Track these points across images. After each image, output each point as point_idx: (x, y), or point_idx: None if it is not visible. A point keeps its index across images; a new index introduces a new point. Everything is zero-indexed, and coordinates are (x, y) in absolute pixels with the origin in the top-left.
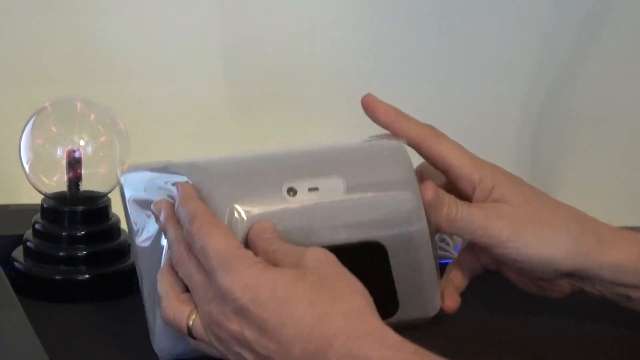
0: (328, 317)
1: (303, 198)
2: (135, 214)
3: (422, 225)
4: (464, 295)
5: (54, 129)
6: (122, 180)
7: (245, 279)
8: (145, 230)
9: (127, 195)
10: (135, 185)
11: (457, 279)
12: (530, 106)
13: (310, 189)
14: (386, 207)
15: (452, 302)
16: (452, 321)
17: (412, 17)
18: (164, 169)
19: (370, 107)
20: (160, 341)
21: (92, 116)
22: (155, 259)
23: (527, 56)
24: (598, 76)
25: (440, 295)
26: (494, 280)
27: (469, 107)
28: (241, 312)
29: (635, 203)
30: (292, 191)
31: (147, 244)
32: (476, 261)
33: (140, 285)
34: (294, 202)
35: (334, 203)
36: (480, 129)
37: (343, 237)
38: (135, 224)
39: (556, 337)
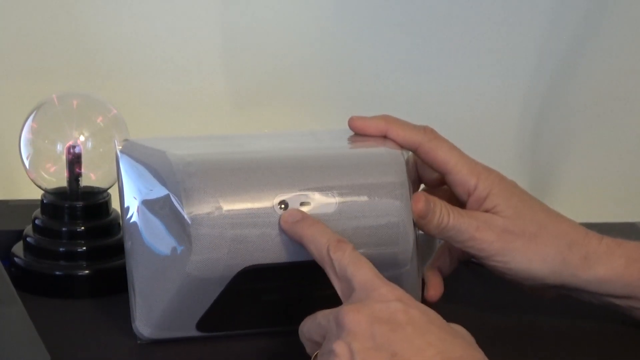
0: None
1: None
2: (129, 189)
3: (409, 245)
4: (461, 293)
5: (54, 124)
6: (118, 151)
7: None
8: (135, 208)
9: (122, 167)
10: (132, 155)
11: (444, 263)
12: (530, 103)
13: (302, 203)
14: (375, 226)
15: (435, 292)
16: (448, 319)
17: (411, 13)
18: (160, 157)
19: (359, 129)
20: (140, 323)
21: (92, 112)
22: (143, 238)
23: (526, 52)
24: (598, 72)
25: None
26: (491, 278)
27: (469, 103)
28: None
29: (635, 199)
30: (283, 204)
31: (136, 220)
32: None
33: (127, 266)
34: None
35: (324, 219)
36: (480, 126)
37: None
38: (127, 200)
39: (555, 333)
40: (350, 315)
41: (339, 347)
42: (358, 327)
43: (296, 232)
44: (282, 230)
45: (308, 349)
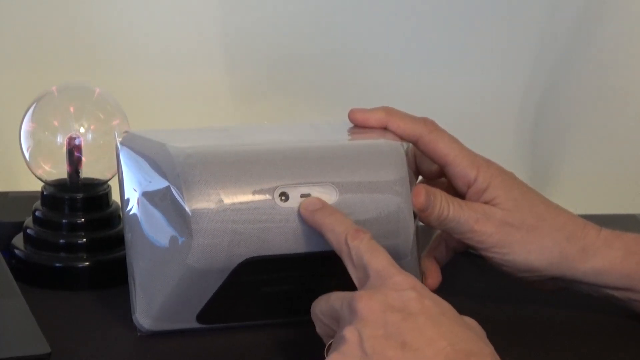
0: None
1: (294, 203)
2: (129, 181)
3: (409, 237)
4: (459, 285)
5: (54, 116)
6: (119, 143)
7: None
8: (136, 199)
9: (122, 158)
10: (132, 147)
11: (440, 253)
12: (530, 96)
13: (302, 195)
14: (375, 218)
15: (433, 281)
16: None
17: (411, 6)
18: (160, 149)
19: (360, 122)
20: (141, 315)
21: (92, 103)
22: (143, 230)
23: (526, 45)
24: (597, 65)
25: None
26: (489, 269)
27: (469, 96)
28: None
29: (635, 191)
30: (284, 196)
31: (136, 212)
32: None
33: (127, 258)
34: (285, 207)
35: None
36: (480, 119)
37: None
38: (127, 192)
39: (553, 325)
40: (364, 301)
41: (349, 333)
42: (370, 314)
43: (315, 221)
44: (290, 220)
45: (318, 328)
